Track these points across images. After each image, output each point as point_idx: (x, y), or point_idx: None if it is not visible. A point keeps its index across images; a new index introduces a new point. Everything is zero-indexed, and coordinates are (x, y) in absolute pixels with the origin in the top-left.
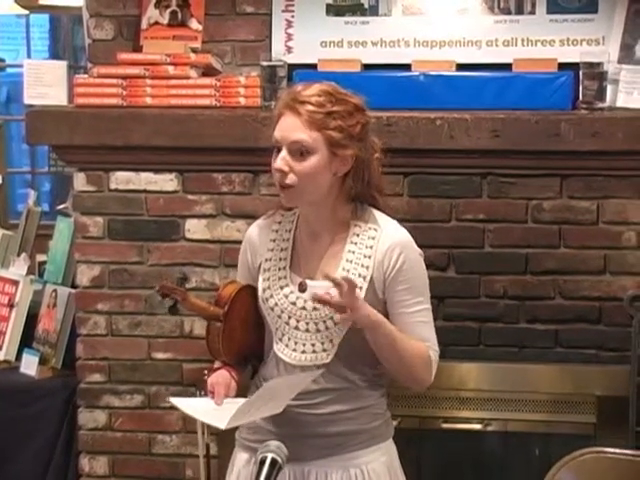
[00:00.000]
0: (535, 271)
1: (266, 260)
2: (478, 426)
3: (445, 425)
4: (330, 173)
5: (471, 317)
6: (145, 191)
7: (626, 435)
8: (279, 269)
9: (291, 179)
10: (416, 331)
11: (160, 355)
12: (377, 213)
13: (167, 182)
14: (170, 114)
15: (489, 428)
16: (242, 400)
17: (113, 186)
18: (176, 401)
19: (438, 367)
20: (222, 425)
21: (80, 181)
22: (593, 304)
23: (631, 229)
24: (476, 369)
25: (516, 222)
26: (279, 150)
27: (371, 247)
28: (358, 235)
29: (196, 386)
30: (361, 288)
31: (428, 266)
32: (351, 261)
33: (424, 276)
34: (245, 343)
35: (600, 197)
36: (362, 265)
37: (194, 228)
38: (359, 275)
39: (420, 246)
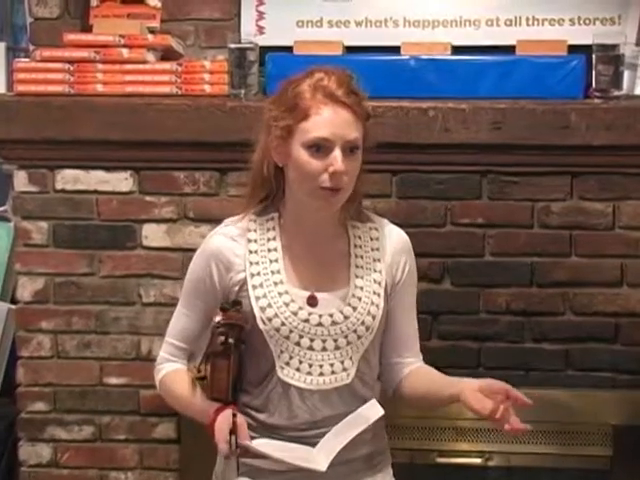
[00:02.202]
0: (542, 283)
1: (252, 275)
2: (478, 460)
3: (440, 459)
4: None
5: (469, 335)
6: (96, 192)
7: None
8: (275, 284)
9: (345, 181)
10: (411, 339)
11: (113, 380)
12: (365, 210)
13: (121, 181)
14: (125, 103)
15: (490, 463)
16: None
17: (59, 186)
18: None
19: None
20: (323, 467)
21: (21, 180)
22: (608, 320)
23: None
24: None
25: (520, 227)
26: (319, 148)
27: (377, 249)
28: (360, 237)
29: (231, 433)
30: (379, 295)
31: (419, 278)
32: (362, 266)
33: None
34: (237, 376)
35: (616, 198)
36: (375, 270)
37: (152, 234)
38: (374, 281)
39: None
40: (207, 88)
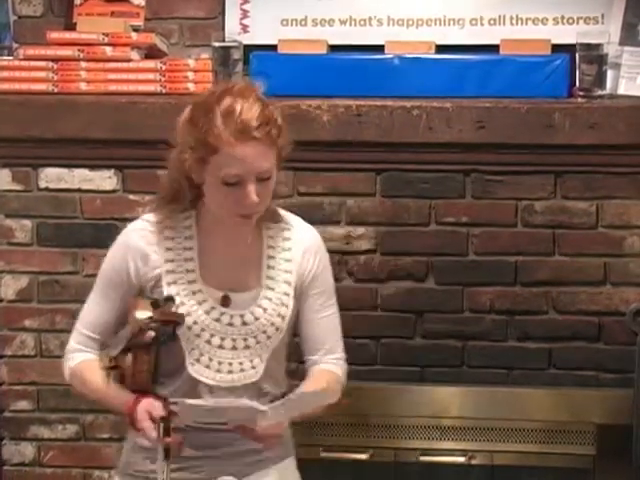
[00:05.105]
0: (526, 282)
1: (168, 272)
2: (461, 459)
3: (423, 458)
4: None
5: (453, 334)
6: (79, 190)
7: (629, 469)
8: (189, 282)
9: (260, 207)
10: (329, 339)
11: None
12: (281, 211)
13: (105, 180)
14: (108, 102)
15: (474, 461)
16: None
17: (43, 184)
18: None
19: (415, 392)
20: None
21: (4, 178)
22: (591, 319)
23: (634, 233)
24: (459, 394)
25: (504, 226)
26: (232, 182)
27: (289, 249)
28: (273, 237)
29: (162, 419)
30: (289, 295)
31: (404, 276)
32: (273, 267)
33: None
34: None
35: (599, 197)
36: (285, 271)
37: None
38: (285, 282)
39: (395, 253)
40: (191, 86)
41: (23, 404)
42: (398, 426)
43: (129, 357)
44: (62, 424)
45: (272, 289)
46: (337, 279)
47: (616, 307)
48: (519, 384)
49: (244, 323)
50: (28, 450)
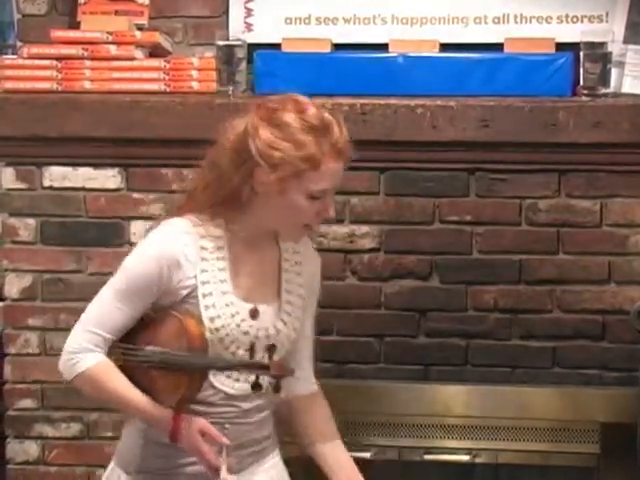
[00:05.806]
0: (530, 280)
1: (203, 283)
2: (465, 457)
3: (427, 456)
4: None
5: (457, 333)
6: (83, 189)
7: (634, 467)
8: (223, 293)
9: None
10: (309, 360)
11: None
12: None
13: (109, 178)
14: (112, 100)
15: (478, 460)
16: None
17: (47, 183)
18: None
19: (419, 391)
20: None
21: (8, 177)
22: (596, 318)
23: (638, 232)
24: (463, 392)
25: (508, 224)
26: (318, 197)
27: (299, 263)
28: (287, 250)
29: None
30: (301, 309)
31: (408, 275)
32: (289, 281)
33: None
34: None
35: (604, 196)
36: (299, 285)
37: (140, 231)
38: (299, 296)
39: (399, 252)
40: (195, 85)
41: (27, 402)
42: (402, 424)
43: (181, 375)
44: (66, 422)
45: (290, 303)
46: (341, 278)
47: (620, 306)
48: (523, 383)
49: (267, 336)
50: (32, 449)
